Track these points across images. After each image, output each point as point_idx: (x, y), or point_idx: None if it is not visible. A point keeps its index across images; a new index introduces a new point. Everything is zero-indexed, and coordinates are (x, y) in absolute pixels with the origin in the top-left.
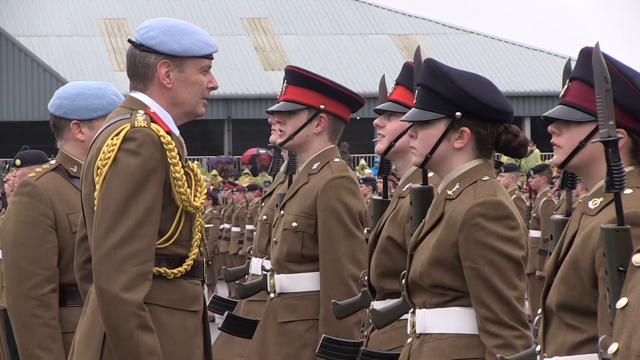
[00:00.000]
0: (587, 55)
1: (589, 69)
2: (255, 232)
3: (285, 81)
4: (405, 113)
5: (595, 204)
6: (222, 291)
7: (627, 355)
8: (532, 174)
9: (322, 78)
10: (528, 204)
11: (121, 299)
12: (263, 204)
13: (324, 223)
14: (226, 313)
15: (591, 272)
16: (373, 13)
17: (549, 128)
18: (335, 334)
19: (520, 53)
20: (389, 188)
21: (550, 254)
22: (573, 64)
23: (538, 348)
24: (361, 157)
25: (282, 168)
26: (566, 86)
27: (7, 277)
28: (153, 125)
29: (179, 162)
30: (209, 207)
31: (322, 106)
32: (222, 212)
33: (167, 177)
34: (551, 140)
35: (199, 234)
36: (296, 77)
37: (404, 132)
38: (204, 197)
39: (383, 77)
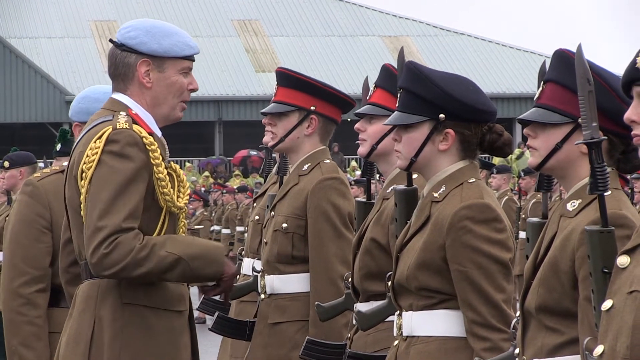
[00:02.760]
0: (560, 56)
1: (562, 71)
2: (246, 233)
3: (276, 83)
4: (384, 115)
5: (574, 205)
6: None
7: (613, 357)
8: (523, 175)
9: (312, 79)
10: (518, 205)
11: (125, 264)
12: (255, 204)
13: (314, 224)
14: (216, 314)
15: (571, 274)
16: (364, 14)
17: (525, 131)
18: (325, 335)
19: (512, 54)
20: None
21: (528, 256)
22: (548, 65)
23: (517, 351)
24: (352, 158)
25: (274, 169)
26: (541, 88)
27: (2, 274)
28: (135, 127)
29: (162, 163)
30: (199, 208)
31: (312, 107)
32: (212, 214)
33: (151, 178)
34: (527, 143)
35: (183, 234)
36: (287, 78)
37: (386, 135)
38: (187, 197)
39: (366, 79)
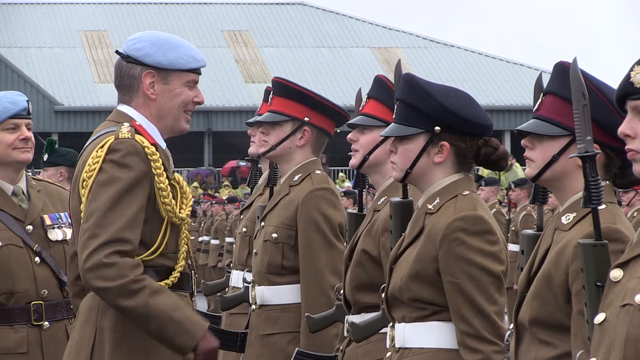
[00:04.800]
0: (561, 69)
1: (562, 83)
2: (234, 245)
3: (272, 92)
4: (377, 126)
5: (569, 219)
6: (201, 304)
7: None
8: (513, 187)
9: (308, 91)
10: (507, 217)
11: (117, 285)
12: (242, 216)
13: (304, 234)
14: (207, 325)
15: (564, 287)
16: (354, 26)
17: (522, 142)
18: (317, 347)
19: (501, 67)
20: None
21: (522, 269)
22: (544, 78)
23: None
24: (340, 170)
25: (261, 180)
26: (540, 100)
27: None
28: (137, 137)
29: (164, 173)
30: None
31: (306, 119)
32: (201, 225)
33: (152, 188)
34: (524, 154)
35: (186, 246)
36: (282, 88)
37: (378, 146)
38: (190, 208)
39: (359, 90)
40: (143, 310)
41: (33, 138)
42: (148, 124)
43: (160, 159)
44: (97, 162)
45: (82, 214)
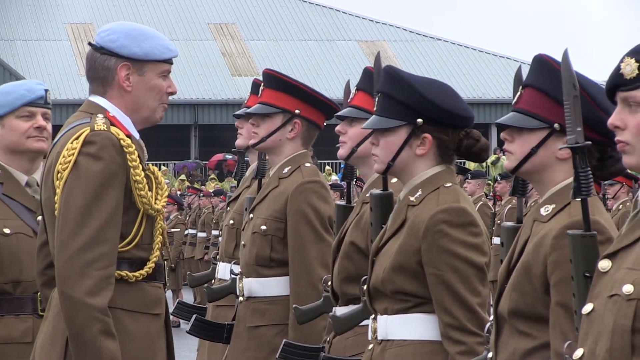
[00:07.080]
0: (540, 62)
1: (541, 76)
2: (221, 237)
3: (262, 84)
4: (365, 118)
5: (547, 210)
6: (187, 296)
7: None
8: (499, 179)
9: (299, 83)
10: (493, 210)
11: (85, 304)
12: (229, 208)
13: (294, 227)
14: (194, 316)
15: (543, 278)
16: (340, 19)
17: (502, 135)
18: (305, 339)
19: (488, 60)
20: (357, 193)
21: (502, 261)
22: (524, 70)
23: (490, 355)
24: (326, 163)
25: (248, 172)
26: (519, 93)
27: None
28: (113, 129)
29: (140, 165)
30: (174, 212)
31: (297, 111)
32: (187, 218)
33: (128, 180)
34: (503, 147)
35: (160, 236)
36: (273, 80)
37: (366, 138)
38: (165, 200)
39: (348, 82)
40: (87, 338)
41: (50, 128)
42: (122, 115)
43: (135, 151)
44: (73, 154)
45: (56, 205)
